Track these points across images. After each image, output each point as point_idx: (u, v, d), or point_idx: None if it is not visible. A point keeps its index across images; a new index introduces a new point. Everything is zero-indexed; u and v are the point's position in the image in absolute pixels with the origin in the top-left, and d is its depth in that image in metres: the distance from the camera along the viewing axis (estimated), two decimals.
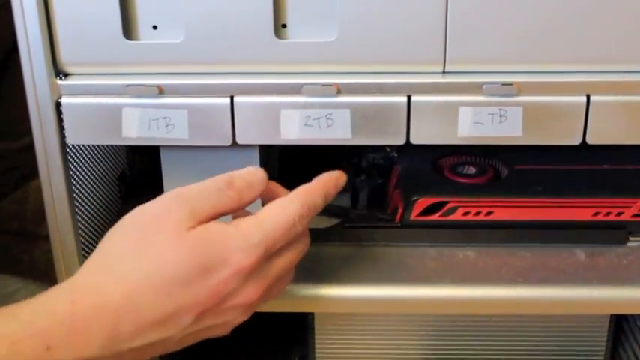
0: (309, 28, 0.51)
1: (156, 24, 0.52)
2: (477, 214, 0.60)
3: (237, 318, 0.48)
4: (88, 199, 0.60)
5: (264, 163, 0.56)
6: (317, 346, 0.70)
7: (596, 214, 0.59)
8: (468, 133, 0.52)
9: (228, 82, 0.52)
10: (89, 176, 0.60)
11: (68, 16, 0.50)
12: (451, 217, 0.60)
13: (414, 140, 0.52)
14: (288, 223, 0.47)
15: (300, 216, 0.47)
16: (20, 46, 0.50)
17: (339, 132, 0.52)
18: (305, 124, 0.52)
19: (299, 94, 0.51)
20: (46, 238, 0.57)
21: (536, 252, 0.59)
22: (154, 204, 0.47)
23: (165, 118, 0.52)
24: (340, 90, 0.51)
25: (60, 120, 0.52)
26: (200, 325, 0.46)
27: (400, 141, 0.52)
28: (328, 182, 0.51)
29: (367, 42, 0.51)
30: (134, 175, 0.72)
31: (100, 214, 0.63)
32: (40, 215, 0.58)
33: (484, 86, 0.51)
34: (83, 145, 0.59)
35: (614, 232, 0.60)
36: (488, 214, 0.60)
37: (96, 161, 0.62)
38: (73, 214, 0.56)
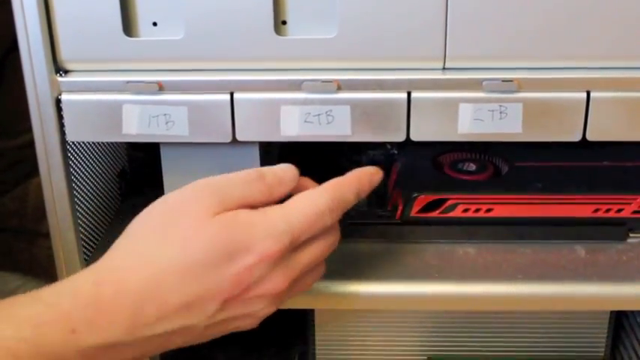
0: (309, 25, 0.51)
1: (156, 21, 0.52)
2: (477, 210, 0.60)
3: (265, 309, 0.47)
4: (88, 196, 0.60)
5: (264, 160, 0.56)
6: (317, 342, 0.70)
7: (596, 210, 0.59)
8: (468, 130, 0.52)
9: (228, 79, 0.52)
10: (89, 173, 0.60)
11: (68, 12, 0.50)
12: (451, 214, 0.60)
13: (414, 137, 0.52)
14: (315, 214, 0.46)
15: (329, 208, 0.47)
16: (20, 43, 0.50)
17: (339, 128, 0.52)
18: (305, 121, 0.52)
19: (299, 91, 0.51)
20: (47, 235, 0.57)
21: (537, 248, 0.59)
22: (182, 191, 0.47)
23: (165, 114, 0.52)
24: (340, 86, 0.51)
25: (60, 117, 0.52)
26: (225, 314, 0.46)
27: (400, 137, 0.52)
28: (362, 177, 0.50)
29: (367, 38, 0.51)
30: (134, 172, 0.72)
31: (100, 211, 0.63)
32: (40, 212, 0.59)
33: (484, 83, 0.51)
34: (83, 142, 0.59)
35: (614, 229, 0.60)
36: (489, 210, 0.60)
37: (96, 158, 0.62)
38: (74, 211, 0.56)
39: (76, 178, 0.57)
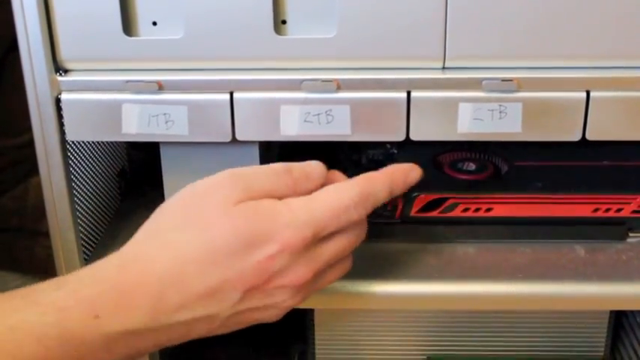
0: (308, 24, 0.51)
1: (155, 20, 0.52)
2: (477, 210, 0.60)
3: (288, 301, 0.47)
4: (88, 195, 0.60)
5: (263, 159, 0.57)
6: (317, 342, 0.70)
7: (595, 210, 0.59)
8: (468, 129, 0.52)
9: (227, 78, 0.52)
10: (89, 172, 0.60)
11: (68, 12, 0.50)
12: (451, 214, 0.60)
13: (413, 136, 0.52)
14: (340, 207, 0.46)
15: (355, 202, 0.46)
16: (20, 42, 0.50)
17: (338, 128, 0.52)
18: (305, 120, 0.52)
19: (299, 90, 0.51)
20: (46, 234, 0.57)
21: (536, 248, 0.59)
22: (207, 179, 0.47)
23: (164, 114, 0.52)
24: (340, 86, 0.51)
25: (60, 116, 0.53)
26: (247, 304, 0.45)
27: (400, 137, 0.52)
28: (395, 174, 0.49)
29: (367, 38, 0.51)
30: (134, 171, 0.72)
31: (100, 210, 0.63)
32: (40, 212, 0.58)
33: (484, 82, 0.51)
34: (83, 142, 0.59)
35: (613, 228, 0.60)
36: (488, 210, 0.60)
37: (96, 157, 0.62)
38: (73, 210, 0.56)
39: (76, 178, 0.57)
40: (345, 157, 0.67)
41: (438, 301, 0.57)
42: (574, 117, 0.51)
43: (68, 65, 0.52)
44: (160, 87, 0.52)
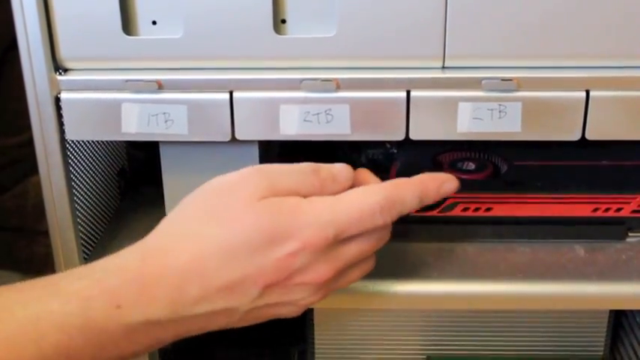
0: (308, 24, 0.51)
1: (155, 19, 0.52)
2: (477, 209, 0.60)
3: (307, 298, 0.47)
4: (87, 194, 0.60)
5: (263, 159, 0.57)
6: (317, 341, 0.70)
7: (595, 209, 0.59)
8: (467, 129, 0.52)
9: (227, 78, 0.52)
10: (89, 172, 0.60)
11: (67, 11, 0.50)
12: (450, 213, 0.60)
13: (413, 136, 0.52)
14: (364, 211, 0.45)
15: (381, 207, 0.46)
16: (19, 41, 0.50)
17: (338, 127, 0.52)
18: (304, 120, 0.52)
19: (298, 90, 0.51)
20: (46, 233, 0.57)
21: (536, 247, 0.59)
22: (233, 174, 0.47)
23: (164, 113, 0.52)
24: (339, 85, 0.51)
25: (59, 115, 0.52)
26: (266, 299, 0.45)
27: (399, 136, 0.52)
28: (428, 182, 0.49)
29: (367, 37, 0.51)
30: (134, 170, 0.72)
31: (99, 209, 0.63)
32: (39, 211, 0.58)
33: (483, 82, 0.51)
34: (83, 141, 0.59)
35: (613, 228, 0.60)
36: (488, 209, 0.60)
37: (95, 157, 0.62)
38: (73, 209, 0.56)
39: (76, 177, 0.57)
40: (345, 157, 0.67)
41: (437, 300, 0.57)
42: (574, 116, 0.51)
43: (68, 64, 0.52)
44: (160, 86, 0.52)
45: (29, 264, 0.86)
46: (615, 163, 0.64)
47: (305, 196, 0.46)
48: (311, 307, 0.48)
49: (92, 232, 0.61)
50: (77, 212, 0.57)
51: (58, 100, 0.52)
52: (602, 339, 0.70)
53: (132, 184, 0.70)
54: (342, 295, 0.56)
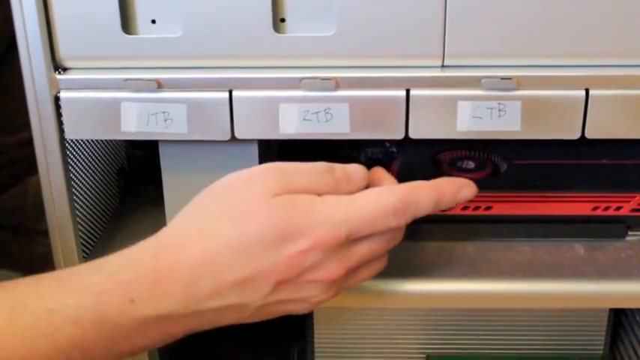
0: (307, 22, 0.51)
1: (154, 18, 0.52)
2: (476, 208, 0.60)
3: (320, 296, 0.47)
4: (87, 194, 0.60)
5: (263, 158, 0.56)
6: (316, 340, 0.70)
7: (595, 208, 0.59)
8: (467, 128, 0.52)
9: (226, 77, 0.52)
10: (88, 171, 0.60)
11: (67, 10, 0.50)
12: (450, 212, 0.60)
13: (412, 135, 0.52)
14: (378, 212, 0.46)
15: (395, 209, 0.46)
16: (19, 40, 0.50)
17: (337, 126, 0.52)
18: (304, 119, 0.52)
19: (298, 89, 0.51)
20: (46, 233, 0.57)
21: (536, 246, 0.59)
22: (247, 171, 0.47)
23: (163, 112, 0.52)
24: (339, 84, 0.51)
25: (59, 115, 0.52)
26: (278, 296, 0.46)
27: (399, 135, 0.52)
28: (445, 187, 0.48)
29: (366, 36, 0.50)
30: (133, 169, 0.72)
31: (99, 209, 0.63)
32: (39, 210, 0.58)
33: (483, 80, 0.51)
34: (82, 140, 0.59)
35: (613, 227, 0.60)
36: (488, 208, 0.60)
37: (95, 156, 0.62)
38: (72, 209, 0.56)
39: (75, 176, 0.57)
40: (345, 156, 0.67)
41: (437, 299, 0.57)
42: (573, 115, 0.51)
43: (67, 63, 0.52)
44: (159, 85, 0.52)
45: (29, 263, 0.86)
46: (615, 161, 0.64)
47: (319, 195, 0.46)
48: (323, 304, 0.48)
49: (92, 231, 0.61)
50: (77, 211, 0.57)
51: (57, 99, 0.52)
52: (602, 338, 0.70)
53: (131, 184, 0.70)
54: (341, 294, 0.56)
